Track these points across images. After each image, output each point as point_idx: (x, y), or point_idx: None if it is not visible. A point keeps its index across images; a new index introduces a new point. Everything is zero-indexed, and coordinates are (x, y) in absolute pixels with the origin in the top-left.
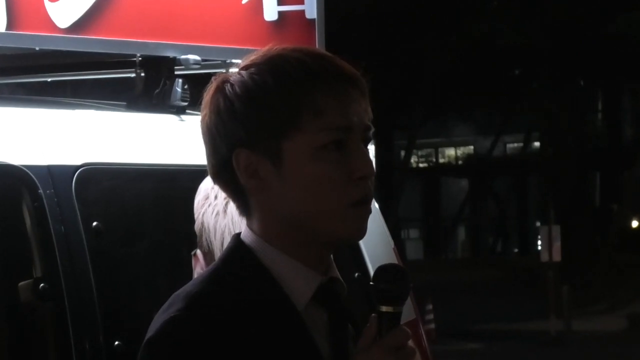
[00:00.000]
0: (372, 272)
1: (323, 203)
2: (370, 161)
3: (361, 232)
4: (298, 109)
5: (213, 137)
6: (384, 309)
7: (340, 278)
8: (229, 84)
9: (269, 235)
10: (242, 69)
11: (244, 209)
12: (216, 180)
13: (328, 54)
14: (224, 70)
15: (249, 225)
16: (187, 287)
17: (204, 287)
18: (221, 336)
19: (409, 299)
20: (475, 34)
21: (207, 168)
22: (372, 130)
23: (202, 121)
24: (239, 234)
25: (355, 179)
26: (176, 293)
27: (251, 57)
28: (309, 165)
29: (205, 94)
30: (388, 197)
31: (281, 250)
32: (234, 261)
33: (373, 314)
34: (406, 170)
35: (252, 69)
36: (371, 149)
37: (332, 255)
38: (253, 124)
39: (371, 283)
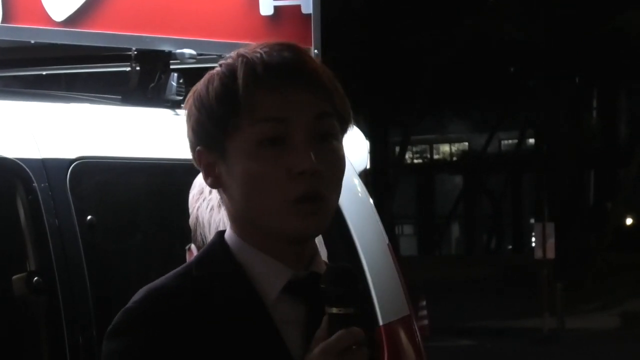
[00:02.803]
0: (366, 268)
1: (262, 200)
2: (311, 157)
3: (307, 229)
4: (235, 109)
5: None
6: (334, 310)
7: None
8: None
9: (240, 231)
10: (217, 66)
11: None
12: None
13: (294, 48)
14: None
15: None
16: (154, 282)
17: (168, 282)
18: (174, 329)
19: (402, 294)
20: (472, 31)
21: None
22: (330, 121)
23: None
24: (223, 232)
25: (294, 175)
26: (143, 287)
27: (230, 54)
28: (246, 163)
29: None
30: (382, 193)
31: (252, 245)
32: (209, 257)
33: (325, 316)
34: (401, 166)
35: (216, 69)
36: (366, 144)
37: (325, 254)
38: (201, 125)
39: (321, 285)
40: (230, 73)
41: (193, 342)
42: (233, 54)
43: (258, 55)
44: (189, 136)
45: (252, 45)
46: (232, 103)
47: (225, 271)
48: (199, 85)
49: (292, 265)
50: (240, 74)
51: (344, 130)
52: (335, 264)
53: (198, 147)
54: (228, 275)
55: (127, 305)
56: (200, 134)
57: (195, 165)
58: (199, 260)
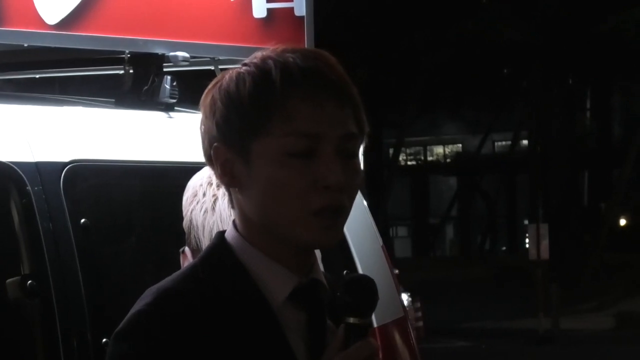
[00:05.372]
0: (360, 270)
1: (283, 209)
2: (339, 171)
3: (327, 240)
4: (268, 113)
5: (201, 131)
6: (351, 320)
7: (323, 280)
8: (220, 82)
9: (247, 233)
10: (242, 65)
11: (231, 203)
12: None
13: (325, 57)
14: (212, 67)
15: (234, 222)
16: (161, 283)
17: (176, 284)
18: (186, 332)
19: (396, 295)
20: (466, 32)
21: None
22: (357, 141)
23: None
24: (223, 232)
25: (319, 187)
26: (150, 288)
27: (255, 55)
28: (272, 169)
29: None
30: (376, 195)
31: (259, 249)
32: (213, 259)
33: (342, 325)
34: (395, 168)
35: (245, 67)
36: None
37: (320, 256)
38: (228, 123)
39: (338, 294)
40: (263, 75)
41: (203, 345)
42: (257, 55)
43: (291, 60)
44: (208, 131)
45: (270, 49)
46: (266, 107)
47: (232, 274)
48: (225, 82)
49: (295, 272)
50: (277, 77)
51: (362, 144)
52: (355, 274)
53: (216, 143)
54: (235, 278)
55: (138, 308)
56: (225, 130)
57: (207, 160)
58: (204, 262)
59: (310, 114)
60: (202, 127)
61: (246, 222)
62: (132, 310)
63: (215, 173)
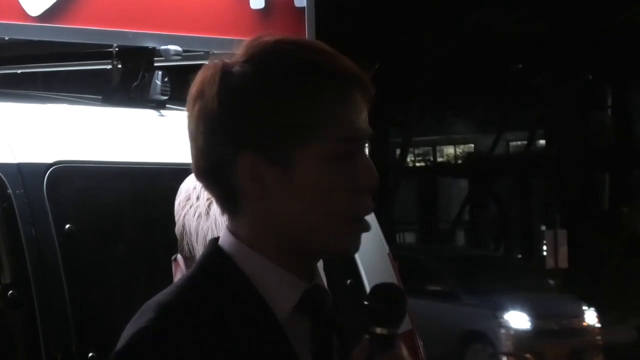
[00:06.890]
0: (365, 279)
1: (328, 214)
2: (377, 172)
3: (357, 248)
4: (315, 117)
5: (214, 132)
6: (378, 330)
7: (325, 286)
8: (236, 77)
9: (256, 240)
10: (247, 60)
11: (233, 210)
12: (205, 177)
13: (331, 50)
14: (206, 62)
15: (231, 228)
16: (160, 296)
17: (177, 297)
18: (193, 349)
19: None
20: (476, 26)
21: (194, 163)
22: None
23: (196, 111)
24: (216, 239)
25: (362, 190)
26: (148, 302)
27: (250, 49)
28: (320, 175)
29: (197, 83)
30: (382, 199)
31: (264, 256)
32: (211, 268)
33: (366, 336)
34: (402, 169)
35: (259, 64)
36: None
37: (321, 265)
38: (268, 128)
39: (365, 302)
40: (298, 75)
41: None
42: (268, 49)
43: (317, 57)
44: (231, 134)
45: (263, 39)
46: (311, 112)
47: (235, 284)
48: (243, 81)
49: (301, 278)
50: (313, 78)
51: None
52: (384, 282)
53: (245, 150)
54: (238, 289)
55: (140, 324)
56: (253, 136)
57: (216, 168)
58: (203, 271)
59: (351, 115)
60: (217, 131)
61: (258, 229)
62: (134, 328)
63: (239, 181)
